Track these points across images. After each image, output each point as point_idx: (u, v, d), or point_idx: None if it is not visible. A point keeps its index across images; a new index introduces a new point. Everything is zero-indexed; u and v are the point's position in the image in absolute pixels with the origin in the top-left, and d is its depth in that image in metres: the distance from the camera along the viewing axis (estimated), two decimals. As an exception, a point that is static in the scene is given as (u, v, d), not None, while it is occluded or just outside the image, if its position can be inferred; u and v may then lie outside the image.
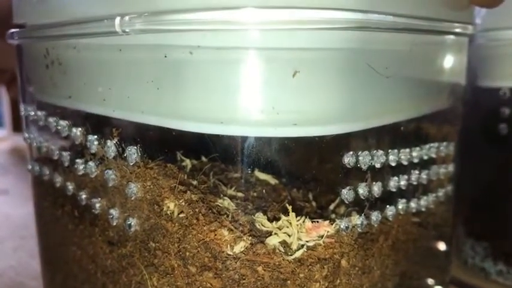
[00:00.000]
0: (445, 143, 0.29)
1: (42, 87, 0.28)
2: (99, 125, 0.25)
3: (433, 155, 0.28)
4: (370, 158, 0.23)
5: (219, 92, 0.20)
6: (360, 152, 0.22)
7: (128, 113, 0.23)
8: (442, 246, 0.32)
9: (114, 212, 0.24)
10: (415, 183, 0.26)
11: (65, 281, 0.30)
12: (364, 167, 0.23)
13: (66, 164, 0.26)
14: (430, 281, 0.32)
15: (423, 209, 0.28)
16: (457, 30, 0.27)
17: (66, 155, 0.26)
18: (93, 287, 0.27)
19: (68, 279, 0.29)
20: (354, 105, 0.22)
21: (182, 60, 0.20)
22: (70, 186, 0.27)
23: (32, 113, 0.29)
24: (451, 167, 0.30)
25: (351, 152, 0.22)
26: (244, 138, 0.22)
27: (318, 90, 0.21)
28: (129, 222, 0.23)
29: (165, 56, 0.21)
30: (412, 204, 0.27)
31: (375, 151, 0.23)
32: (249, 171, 0.23)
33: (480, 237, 0.45)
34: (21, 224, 0.56)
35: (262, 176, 0.27)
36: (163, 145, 0.24)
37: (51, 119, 0.27)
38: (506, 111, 0.40)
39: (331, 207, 0.25)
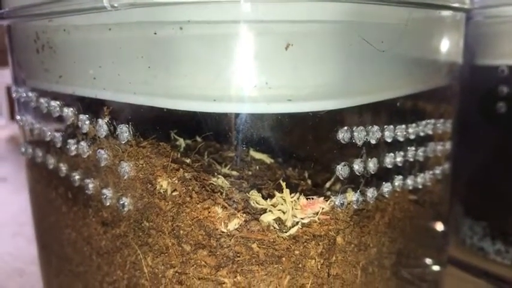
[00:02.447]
0: (441, 120, 0.29)
1: (34, 73, 0.28)
2: (91, 104, 0.24)
3: (430, 132, 0.27)
4: (365, 133, 0.22)
5: (211, 68, 0.20)
6: (355, 128, 0.22)
7: (119, 93, 0.23)
8: (439, 224, 0.32)
9: (107, 192, 0.24)
10: (411, 159, 0.26)
11: (60, 263, 0.30)
12: (359, 143, 0.22)
13: (59, 145, 0.26)
14: (428, 261, 0.32)
15: (420, 187, 0.27)
16: (454, 4, 0.27)
17: (58, 135, 0.26)
18: (88, 269, 0.27)
19: (64, 262, 0.29)
20: (349, 80, 0.22)
21: (172, 36, 0.20)
22: (63, 168, 0.26)
23: (24, 95, 0.29)
24: (448, 145, 0.30)
25: (346, 127, 0.22)
26: (237, 115, 0.21)
27: (311, 65, 0.20)
28: (122, 202, 0.23)
29: (155, 33, 0.20)
30: (409, 181, 0.26)
31: (370, 127, 0.23)
32: (243, 149, 0.23)
33: (478, 217, 0.45)
34: (19, 210, 0.56)
35: (258, 155, 0.26)
36: (156, 123, 0.24)
37: (42, 100, 0.26)
38: (504, 90, 0.40)
39: (327, 185, 0.25)
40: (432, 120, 0.28)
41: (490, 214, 0.44)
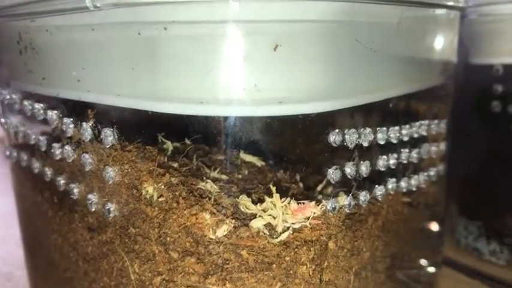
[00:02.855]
0: (436, 121, 0.28)
1: (17, 74, 0.27)
2: (75, 107, 0.23)
3: (424, 133, 0.27)
4: (357, 136, 0.22)
5: (197, 69, 0.19)
6: (347, 130, 0.22)
7: (103, 95, 0.22)
8: (434, 226, 0.32)
9: (93, 197, 0.23)
10: (405, 162, 0.26)
11: (47, 268, 0.29)
12: (351, 146, 0.22)
13: (44, 148, 0.25)
14: (423, 262, 0.32)
15: (414, 189, 0.27)
16: (448, 2, 0.26)
17: (43, 139, 0.25)
18: (75, 275, 0.26)
19: (51, 267, 0.28)
20: (341, 81, 0.21)
21: (156, 37, 0.19)
22: (48, 172, 0.26)
23: (8, 97, 0.28)
24: (442, 146, 0.30)
25: (337, 130, 0.21)
26: (226, 119, 0.21)
27: (301, 66, 0.20)
28: (108, 208, 0.22)
29: (139, 34, 0.20)
30: (403, 184, 0.26)
31: (362, 129, 0.22)
32: (233, 153, 0.22)
33: (473, 217, 0.44)
34: (8, 212, 0.54)
35: (248, 157, 0.26)
36: (142, 126, 0.23)
37: (26, 103, 0.26)
38: (499, 89, 0.39)
39: (319, 188, 0.25)
40: (426, 121, 0.27)
41: (485, 213, 0.44)
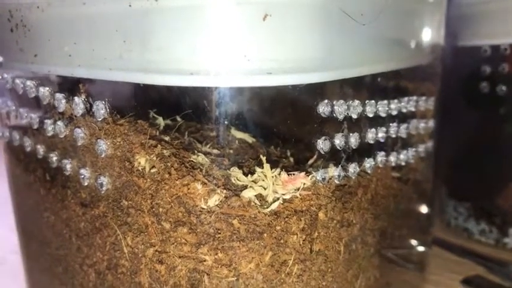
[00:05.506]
0: (424, 98, 0.29)
1: (8, 53, 0.27)
2: (66, 83, 0.24)
3: (412, 109, 0.27)
4: (346, 107, 0.22)
5: (187, 40, 0.19)
6: (336, 101, 0.22)
7: (94, 70, 0.22)
8: (422, 202, 0.32)
9: (85, 172, 0.23)
10: (394, 136, 0.26)
11: (40, 248, 0.29)
12: (340, 117, 0.22)
13: (35, 126, 0.26)
14: (413, 241, 0.32)
15: (403, 163, 0.27)
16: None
17: (35, 117, 0.26)
18: (68, 252, 0.26)
19: (44, 246, 0.28)
20: (330, 53, 0.21)
21: (147, 8, 0.19)
22: (40, 149, 0.26)
23: (-1, 77, 0.28)
24: (431, 123, 0.30)
25: (326, 101, 0.22)
26: (216, 89, 0.21)
27: (292, 36, 0.20)
28: (100, 181, 0.22)
29: (130, 6, 0.20)
30: (391, 158, 0.26)
31: (351, 101, 0.23)
32: (224, 123, 0.22)
33: (462, 198, 0.45)
34: (1, 198, 0.54)
35: (239, 134, 0.26)
36: (134, 102, 0.23)
37: (18, 81, 0.26)
38: (487, 70, 0.40)
39: (309, 162, 0.25)
40: (414, 97, 0.28)
41: (474, 195, 0.44)
